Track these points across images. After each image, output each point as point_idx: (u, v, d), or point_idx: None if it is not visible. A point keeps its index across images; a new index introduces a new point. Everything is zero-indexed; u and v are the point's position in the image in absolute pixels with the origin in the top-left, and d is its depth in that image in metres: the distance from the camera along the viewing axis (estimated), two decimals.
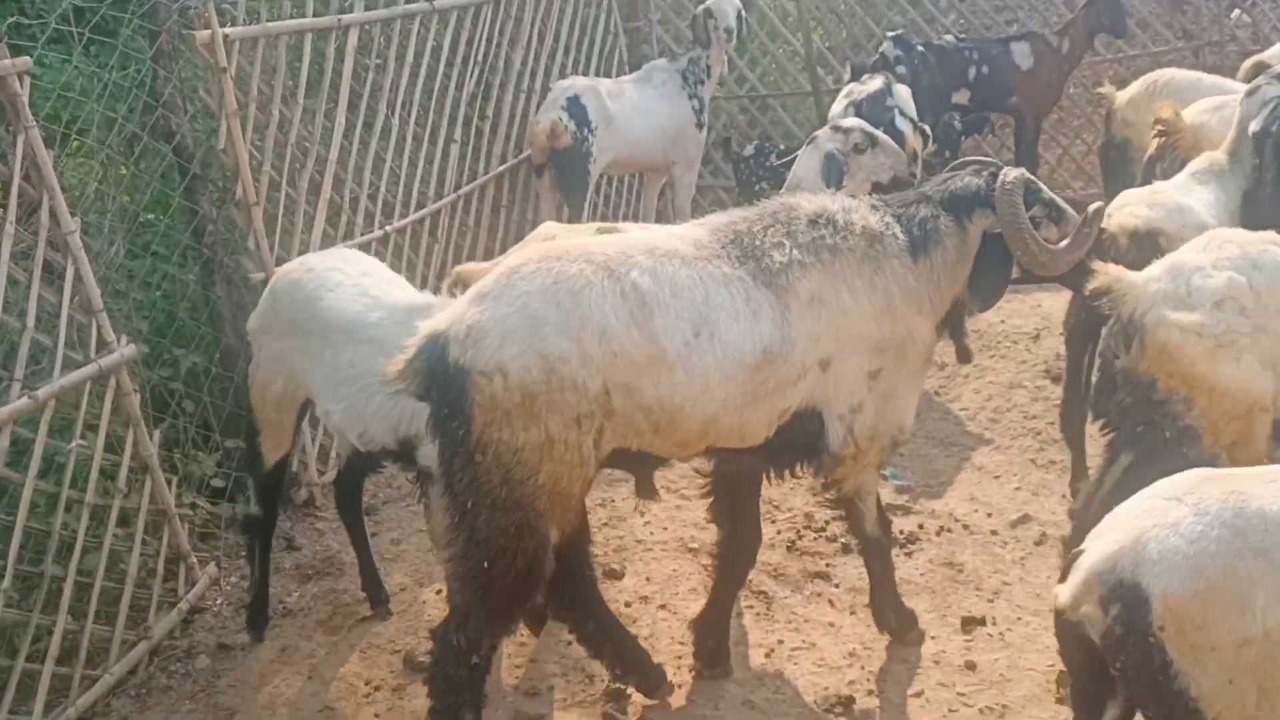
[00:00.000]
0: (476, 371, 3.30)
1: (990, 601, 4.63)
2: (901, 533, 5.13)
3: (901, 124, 6.52)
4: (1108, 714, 2.85)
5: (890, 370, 3.87)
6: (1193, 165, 5.39)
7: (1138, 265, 3.94)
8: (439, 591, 4.94)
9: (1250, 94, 5.39)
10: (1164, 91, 7.04)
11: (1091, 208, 3.95)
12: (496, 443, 3.33)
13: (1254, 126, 5.19)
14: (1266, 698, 2.56)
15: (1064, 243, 3.90)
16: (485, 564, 3.43)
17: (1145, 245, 4.47)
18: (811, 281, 3.70)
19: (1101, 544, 2.68)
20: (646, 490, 4.85)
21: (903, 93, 6.88)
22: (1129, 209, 4.79)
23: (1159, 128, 6.11)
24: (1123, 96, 7.29)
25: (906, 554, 5.01)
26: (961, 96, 9.36)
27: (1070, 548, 3.15)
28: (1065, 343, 5.44)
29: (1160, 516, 2.63)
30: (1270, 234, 3.74)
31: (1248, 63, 8.49)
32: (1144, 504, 2.73)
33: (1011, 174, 3.91)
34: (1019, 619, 4.49)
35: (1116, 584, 2.59)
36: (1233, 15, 11.53)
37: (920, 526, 5.22)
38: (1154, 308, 3.56)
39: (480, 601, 3.51)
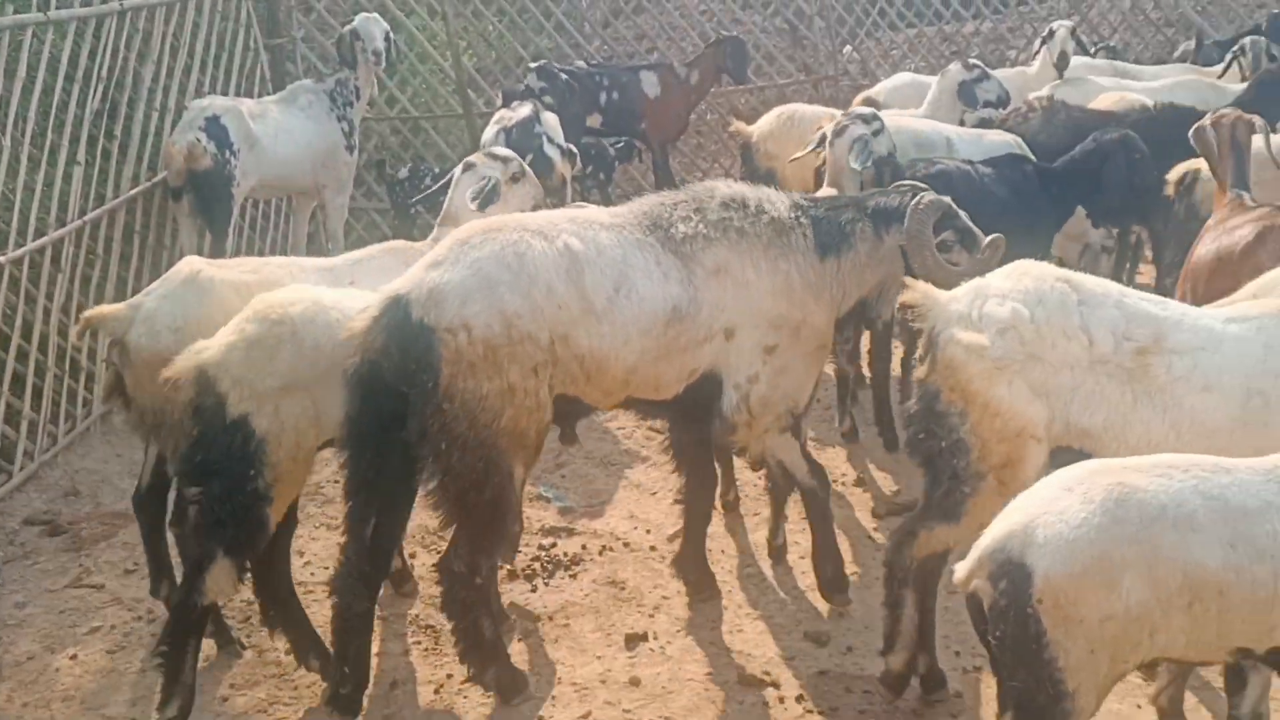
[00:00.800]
0: (442, 329, 3.73)
1: (651, 617, 4.80)
2: (565, 555, 5.26)
3: (550, 150, 6.70)
4: None
5: (785, 347, 4.31)
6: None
7: None
8: (73, 657, 4.55)
9: (838, 134, 5.95)
10: (797, 124, 7.63)
11: (990, 238, 4.31)
12: (463, 392, 3.77)
13: (854, 164, 5.79)
14: (1114, 666, 2.92)
15: (961, 267, 4.25)
16: (460, 496, 3.91)
17: None
18: (716, 254, 4.18)
19: (998, 526, 2.94)
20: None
21: (550, 120, 7.06)
22: None
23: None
24: (761, 130, 7.81)
25: (571, 575, 5.12)
26: (594, 120, 9.70)
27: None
28: None
29: (1051, 504, 2.90)
30: (1064, 272, 3.94)
31: (859, 97, 9.37)
32: (1041, 492, 2.99)
33: (927, 198, 4.30)
34: (678, 631, 4.69)
35: (1005, 561, 2.86)
36: (845, 51, 12.68)
37: (584, 547, 5.35)
38: (948, 326, 3.81)
39: (463, 530, 4.00)
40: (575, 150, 6.97)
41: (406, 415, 3.82)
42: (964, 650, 4.45)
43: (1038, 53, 9.33)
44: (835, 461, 6.14)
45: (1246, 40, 9.58)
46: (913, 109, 8.22)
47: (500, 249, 3.89)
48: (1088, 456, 3.46)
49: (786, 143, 7.58)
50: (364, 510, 4.01)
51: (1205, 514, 2.87)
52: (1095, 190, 6.24)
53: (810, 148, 6.29)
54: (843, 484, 5.92)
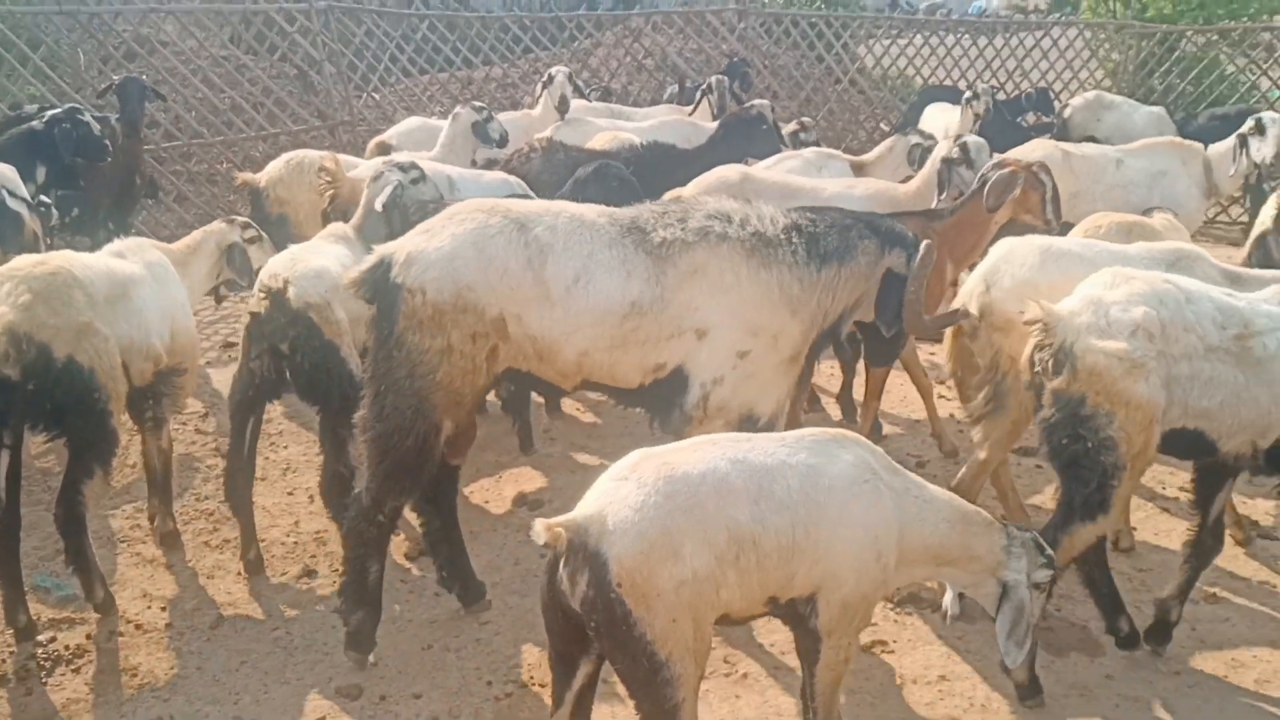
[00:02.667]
0: (406, 287, 4.21)
1: (167, 700, 4.47)
2: (67, 648, 4.76)
3: (14, 205, 6.11)
4: (580, 671, 3.44)
5: (758, 355, 4.49)
6: (323, 232, 6.06)
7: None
8: None
9: (375, 179, 6.10)
10: (306, 169, 7.50)
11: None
12: (410, 344, 4.23)
13: (379, 204, 5.92)
14: (699, 628, 3.22)
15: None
16: (386, 435, 4.32)
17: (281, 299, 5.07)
18: (694, 257, 4.39)
19: (573, 522, 3.14)
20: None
21: (6, 171, 6.47)
22: (270, 269, 5.36)
23: (326, 178, 6.78)
24: (270, 176, 7.59)
25: (74, 670, 4.65)
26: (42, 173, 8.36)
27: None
28: (230, 417, 5.50)
29: (614, 494, 3.21)
30: (1163, 274, 4.39)
31: (372, 142, 9.39)
32: (601, 486, 3.28)
33: (927, 244, 4.64)
34: (198, 712, 4.41)
35: (585, 554, 3.12)
36: (362, 98, 12.66)
37: (88, 637, 4.88)
38: (1082, 337, 4.11)
39: (381, 467, 4.35)
40: (48, 202, 6.40)
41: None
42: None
43: (540, 96, 9.84)
44: None
45: (712, 80, 10.76)
46: (425, 151, 8.37)
47: (475, 228, 4.29)
48: (1200, 435, 4.21)
49: (297, 187, 7.45)
50: None
51: (736, 476, 3.32)
52: None
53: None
54: None
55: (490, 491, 6.43)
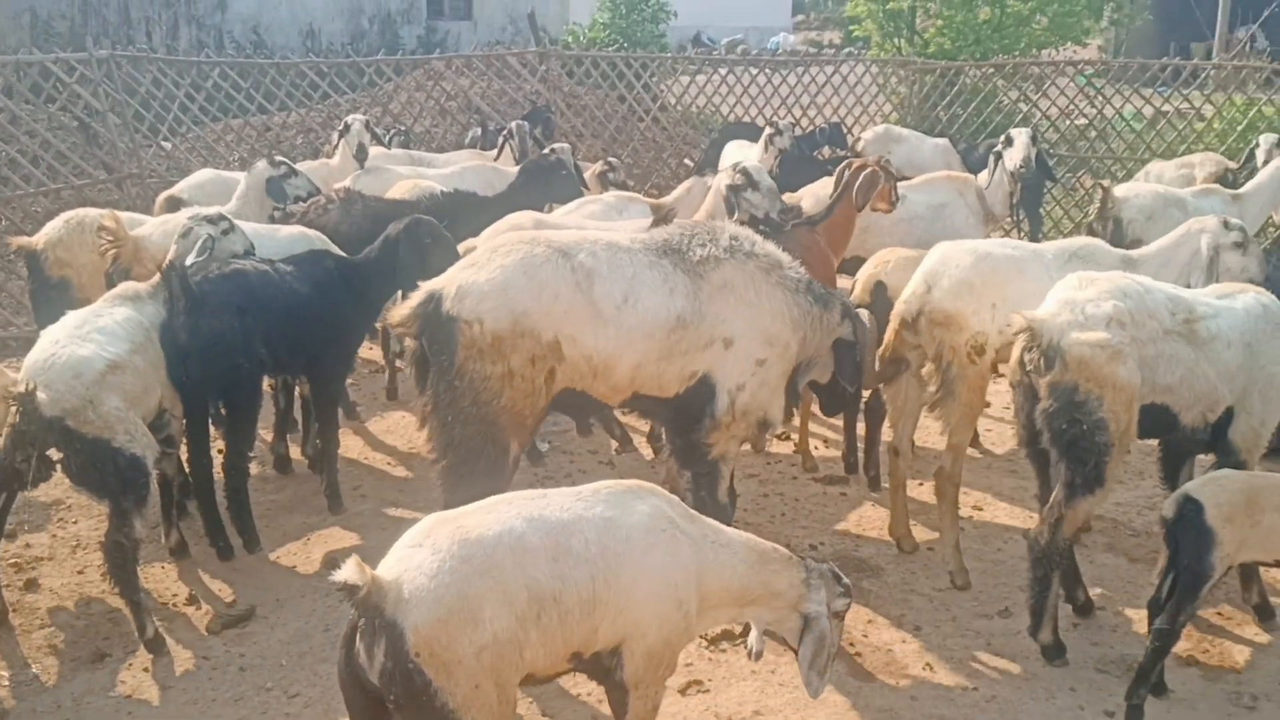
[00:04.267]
0: (462, 319, 4.46)
1: None
2: None
3: None
4: None
5: (773, 364, 4.96)
6: (111, 294, 5.85)
7: None
8: None
9: (184, 235, 6.07)
10: (88, 228, 7.15)
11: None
12: (471, 373, 4.48)
13: (191, 259, 5.91)
14: (503, 691, 3.18)
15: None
16: (460, 464, 4.56)
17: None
18: (724, 272, 4.84)
19: (372, 592, 3.00)
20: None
21: None
22: (25, 368, 5.26)
23: (108, 238, 6.61)
24: (49, 238, 7.19)
25: None
26: None
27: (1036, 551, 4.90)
28: None
29: (409, 561, 3.14)
30: (1119, 273, 5.07)
31: (161, 197, 9.03)
32: (396, 554, 3.20)
33: (869, 316, 5.35)
34: None
35: (381, 624, 3.04)
36: (166, 146, 12.12)
37: None
38: (1066, 333, 4.64)
39: (459, 495, 4.30)
40: None
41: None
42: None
43: (337, 145, 9.66)
44: None
45: (513, 125, 10.79)
46: (218, 205, 8.10)
47: (522, 258, 4.57)
48: (1165, 409, 4.84)
49: (78, 248, 7.12)
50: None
51: (532, 534, 3.30)
52: (393, 276, 6.44)
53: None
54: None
55: (298, 555, 6.24)
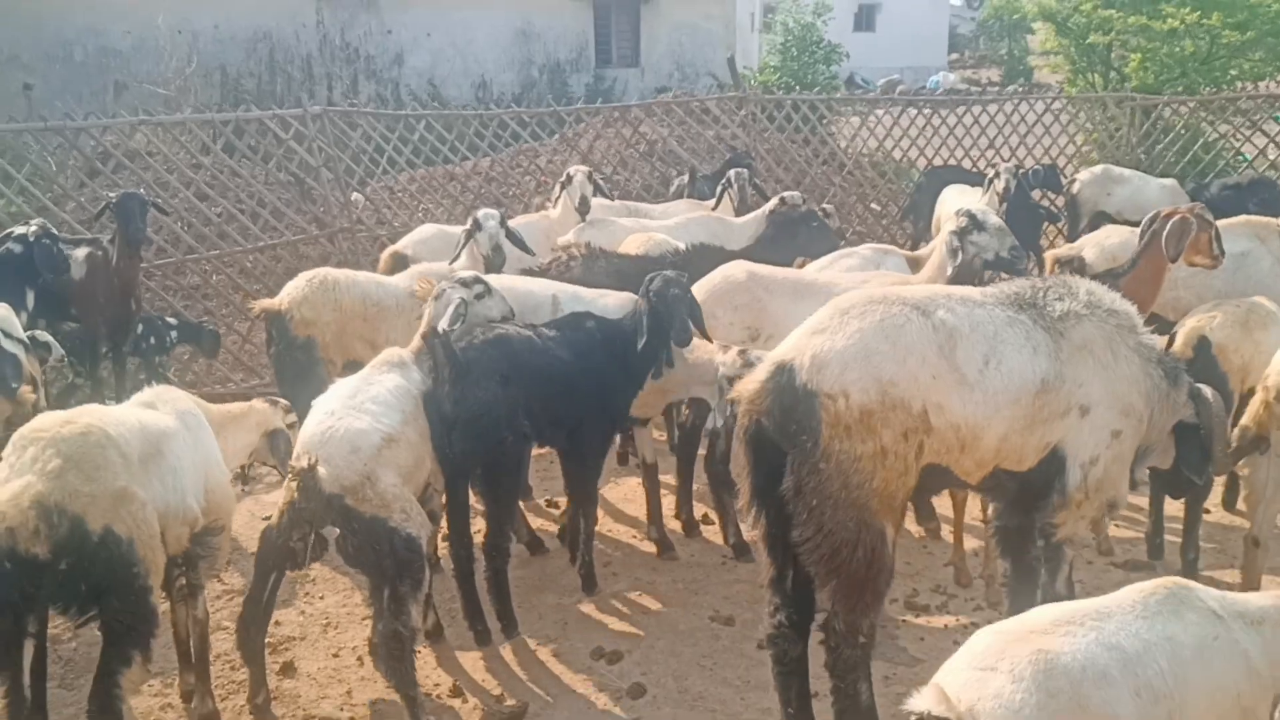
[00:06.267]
0: (823, 393, 3.97)
1: None
2: None
3: (11, 346, 5.55)
4: None
5: (1127, 437, 4.42)
6: (377, 360, 5.63)
7: None
8: None
9: (436, 297, 5.75)
10: (331, 288, 6.96)
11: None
12: (839, 453, 3.98)
13: (443, 324, 5.58)
14: None
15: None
16: (834, 553, 4.06)
17: None
18: (1085, 331, 4.34)
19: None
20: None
21: (4, 313, 5.94)
22: (301, 440, 5.06)
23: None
24: (293, 298, 6.97)
25: None
26: (30, 299, 7.94)
27: None
28: (255, 564, 5.13)
29: (985, 688, 2.81)
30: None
31: (385, 254, 8.84)
32: (964, 676, 2.87)
33: (1214, 394, 4.72)
34: None
35: None
36: (354, 198, 12.10)
37: None
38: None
39: (840, 589, 4.11)
40: (49, 339, 5.82)
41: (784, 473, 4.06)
42: None
43: (558, 198, 9.33)
44: None
45: (731, 174, 10.25)
46: (443, 260, 7.84)
47: (879, 320, 4.10)
48: None
49: (322, 307, 6.88)
50: (780, 562, 4.36)
51: (1113, 666, 2.95)
52: (657, 338, 5.96)
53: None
54: None
55: (559, 642, 5.78)
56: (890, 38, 47.34)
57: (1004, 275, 6.06)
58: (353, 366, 7.14)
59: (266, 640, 5.71)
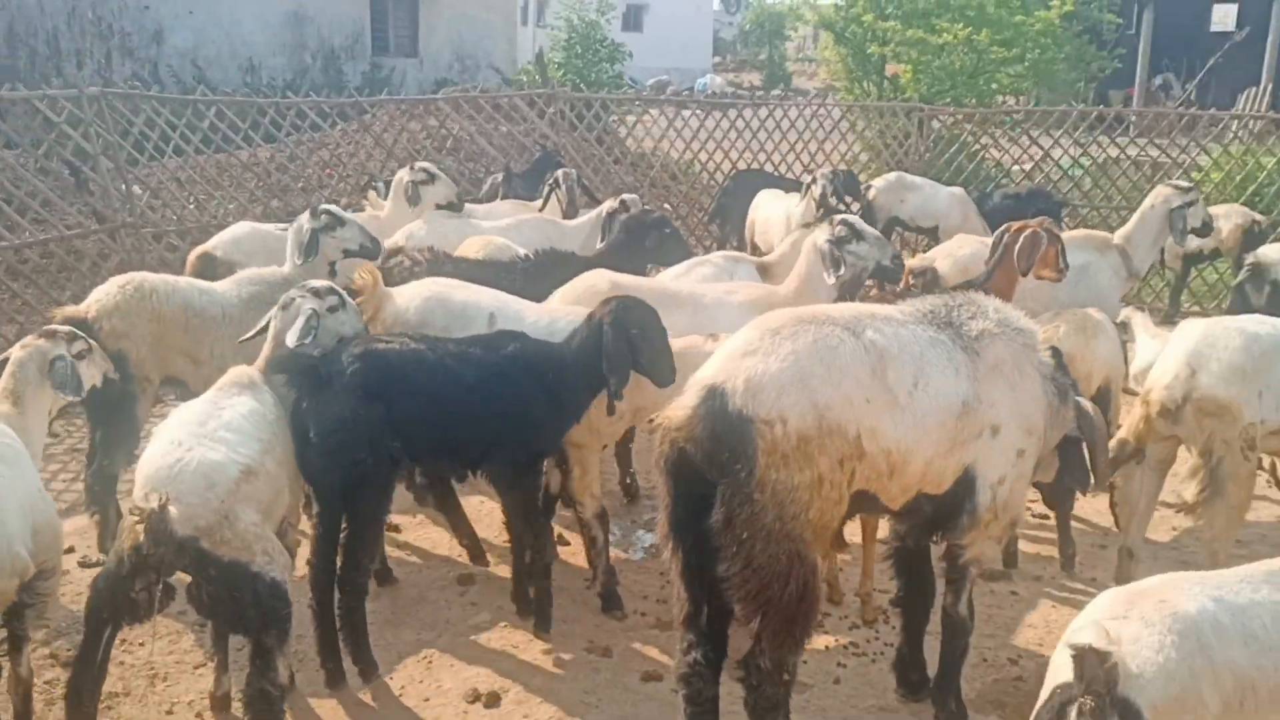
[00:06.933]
0: (759, 419, 3.75)
1: None
2: None
3: None
4: None
5: (1029, 455, 4.38)
6: (224, 381, 5.02)
7: None
8: None
9: (284, 307, 5.23)
10: (148, 292, 6.19)
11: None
12: (774, 482, 3.77)
13: (292, 338, 5.09)
14: None
15: None
16: (763, 589, 3.83)
17: None
18: (996, 351, 4.25)
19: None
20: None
21: None
22: (144, 473, 4.43)
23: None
24: (102, 306, 6.13)
25: None
26: None
27: None
28: (85, 619, 4.39)
29: (1122, 635, 3.00)
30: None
31: (194, 254, 8.03)
32: (1095, 630, 3.00)
33: (1095, 408, 4.72)
34: None
35: (1109, 704, 2.85)
36: (136, 191, 10.98)
37: None
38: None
39: (767, 624, 3.91)
40: None
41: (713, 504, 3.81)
42: None
43: (389, 195, 8.72)
44: None
45: (560, 173, 9.91)
46: (259, 263, 7.13)
47: (814, 341, 3.91)
48: None
49: (137, 317, 6.12)
50: (697, 597, 4.13)
51: (1222, 614, 3.14)
52: (597, 370, 5.23)
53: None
54: None
55: (424, 682, 5.32)
56: (657, 39, 48.10)
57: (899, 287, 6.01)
58: (171, 384, 6.43)
59: None
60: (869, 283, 6.58)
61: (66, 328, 5.19)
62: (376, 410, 5.04)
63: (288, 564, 4.47)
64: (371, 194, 9.20)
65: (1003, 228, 6.78)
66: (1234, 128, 14.77)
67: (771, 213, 11.44)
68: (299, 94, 13.43)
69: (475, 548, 6.42)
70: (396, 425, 5.09)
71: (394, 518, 6.72)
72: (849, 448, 3.89)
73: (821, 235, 6.31)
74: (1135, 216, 7.95)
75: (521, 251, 7.34)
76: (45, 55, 22.37)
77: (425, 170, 8.54)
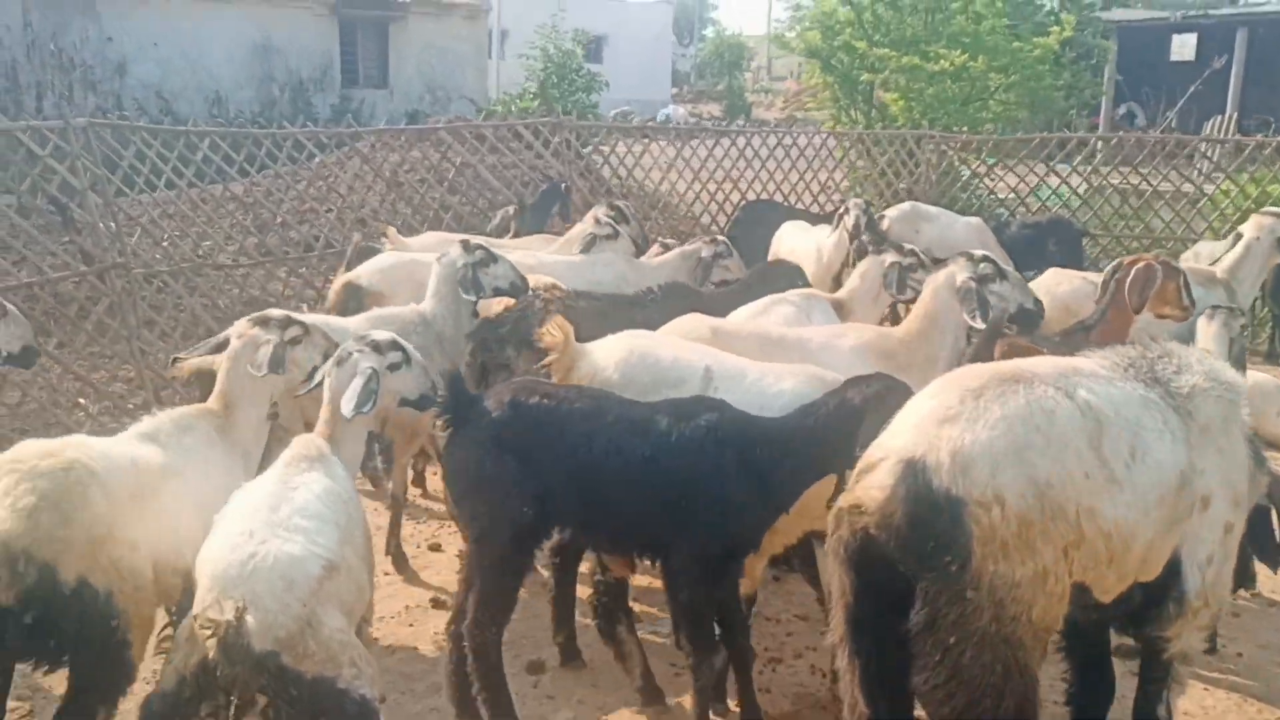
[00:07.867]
0: (973, 501, 3.14)
1: None
2: None
3: None
4: None
5: (1235, 531, 3.77)
6: (290, 456, 4.30)
7: None
8: None
9: (339, 363, 4.55)
10: None
11: None
12: (992, 576, 3.16)
13: (348, 408, 4.40)
14: None
15: None
16: (970, 704, 3.22)
17: None
18: (1208, 410, 3.66)
19: None
20: None
21: None
22: (210, 577, 3.72)
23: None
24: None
25: None
26: None
27: None
28: None
29: None
30: None
31: (337, 283, 7.38)
32: None
33: None
34: None
35: None
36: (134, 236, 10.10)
37: None
38: None
39: None
40: None
41: (909, 601, 3.20)
42: None
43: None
44: None
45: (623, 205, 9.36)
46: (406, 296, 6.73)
47: (1026, 404, 3.33)
48: None
49: None
50: (882, 712, 3.45)
51: None
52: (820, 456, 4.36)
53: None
54: None
55: None
56: (615, 70, 47.67)
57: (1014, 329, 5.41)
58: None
59: None
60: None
61: (281, 313, 4.97)
62: (508, 467, 4.42)
63: (375, 675, 3.74)
64: (390, 230, 8.45)
65: (1114, 263, 6.27)
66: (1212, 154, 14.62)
67: (798, 245, 10.85)
68: (269, 126, 12.74)
69: (650, 688, 5.07)
70: (536, 487, 4.43)
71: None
72: (1071, 533, 3.30)
73: (963, 273, 5.70)
74: (1239, 247, 7.47)
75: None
76: (4, 88, 21.42)
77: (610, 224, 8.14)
